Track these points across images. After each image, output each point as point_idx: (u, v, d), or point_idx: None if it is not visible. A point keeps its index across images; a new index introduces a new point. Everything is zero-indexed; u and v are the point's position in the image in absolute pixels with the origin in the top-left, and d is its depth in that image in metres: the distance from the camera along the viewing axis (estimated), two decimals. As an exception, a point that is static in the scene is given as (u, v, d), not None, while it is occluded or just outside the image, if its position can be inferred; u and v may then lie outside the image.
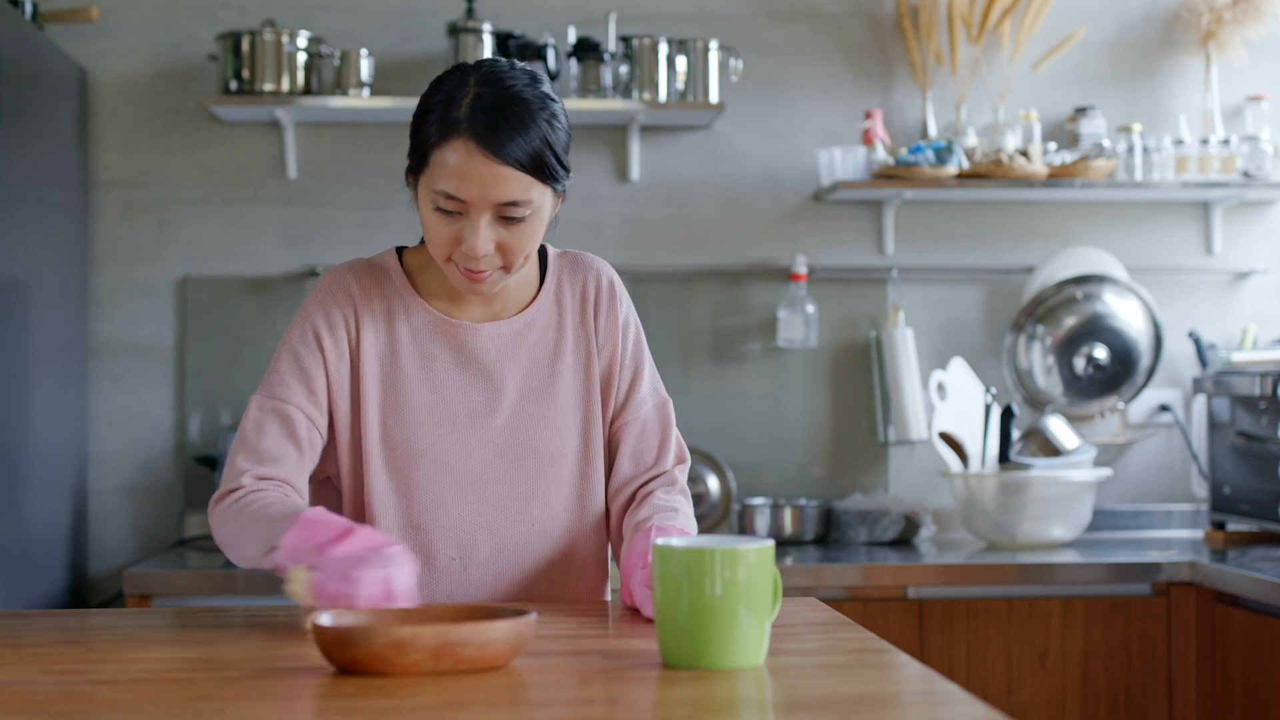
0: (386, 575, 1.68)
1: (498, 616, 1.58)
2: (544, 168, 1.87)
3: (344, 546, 1.72)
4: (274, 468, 1.94)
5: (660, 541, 1.56)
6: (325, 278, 2.04)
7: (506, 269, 1.92)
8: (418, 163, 1.90)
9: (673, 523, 1.97)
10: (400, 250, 2.08)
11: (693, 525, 2.03)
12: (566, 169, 1.92)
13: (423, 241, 2.04)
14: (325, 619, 1.55)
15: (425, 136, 1.88)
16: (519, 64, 1.94)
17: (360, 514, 2.02)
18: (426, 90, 1.93)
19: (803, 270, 3.85)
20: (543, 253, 2.09)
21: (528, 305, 2.05)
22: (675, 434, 2.12)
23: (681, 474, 2.10)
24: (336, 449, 2.01)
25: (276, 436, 1.95)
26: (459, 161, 1.85)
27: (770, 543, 1.55)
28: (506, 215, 1.87)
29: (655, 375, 2.13)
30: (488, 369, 2.01)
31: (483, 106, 1.85)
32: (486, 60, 1.95)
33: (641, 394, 2.09)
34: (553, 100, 1.91)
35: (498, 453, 2.00)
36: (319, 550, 1.72)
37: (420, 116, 1.91)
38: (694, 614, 1.52)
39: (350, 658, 1.49)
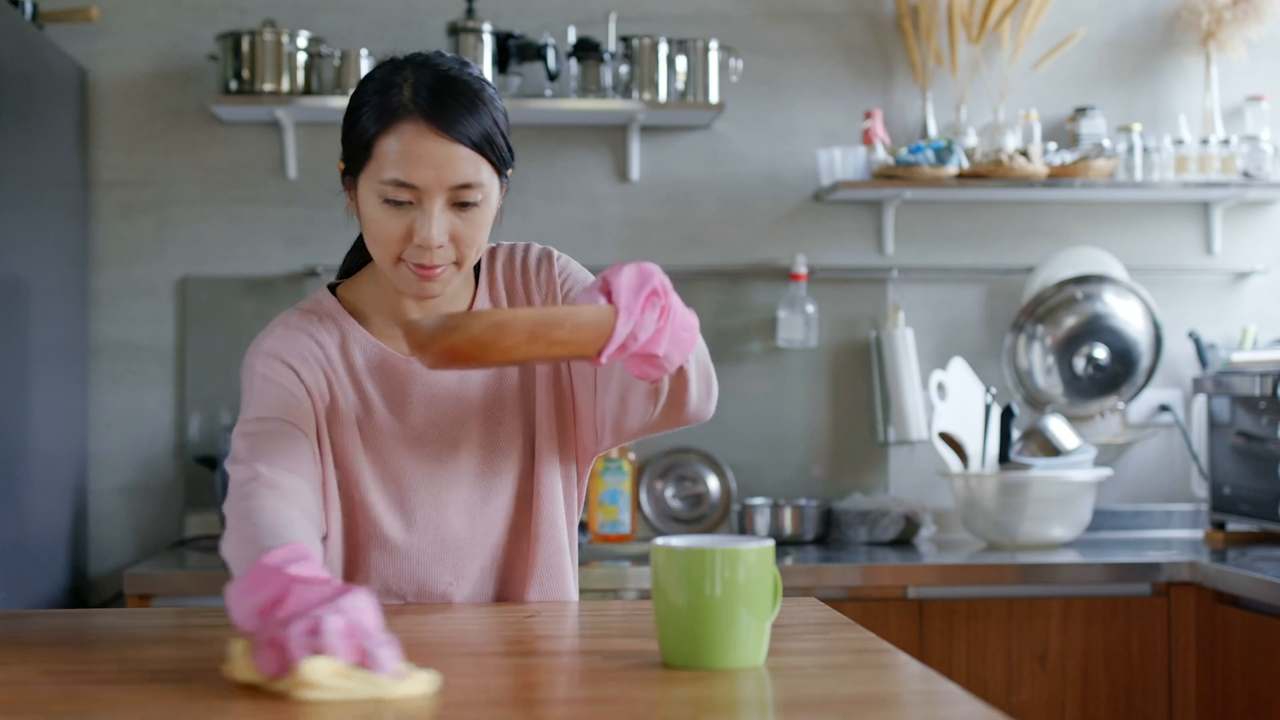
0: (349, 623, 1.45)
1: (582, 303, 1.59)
2: (494, 148, 1.81)
3: (281, 613, 1.46)
4: (288, 474, 1.78)
5: (660, 542, 1.55)
6: (271, 332, 1.91)
7: (459, 263, 1.84)
8: (357, 160, 1.83)
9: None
10: (333, 287, 1.99)
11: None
12: (512, 153, 1.86)
13: (351, 273, 1.98)
14: (423, 319, 1.54)
15: (363, 130, 1.81)
16: (446, 53, 1.90)
17: (353, 546, 1.91)
18: (355, 89, 1.87)
19: (803, 270, 3.85)
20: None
21: (468, 307, 1.96)
22: None
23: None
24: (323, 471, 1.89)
25: (279, 444, 1.81)
26: (409, 144, 1.78)
27: (770, 543, 1.55)
28: (460, 200, 1.80)
29: None
30: (453, 392, 1.93)
31: (425, 87, 1.80)
32: (415, 53, 1.88)
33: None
34: (489, 83, 1.86)
35: (475, 470, 1.93)
36: (253, 619, 1.49)
37: (353, 113, 1.84)
38: (694, 614, 1.51)
39: (448, 345, 1.51)
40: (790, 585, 3.22)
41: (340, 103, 3.68)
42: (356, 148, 1.83)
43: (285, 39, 3.68)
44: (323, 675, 1.39)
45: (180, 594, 3.25)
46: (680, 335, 1.65)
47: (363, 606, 1.45)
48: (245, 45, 3.67)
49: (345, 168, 1.87)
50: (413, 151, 1.78)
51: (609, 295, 1.56)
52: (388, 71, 1.84)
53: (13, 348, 3.20)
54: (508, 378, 1.96)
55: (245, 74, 3.67)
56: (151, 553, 3.74)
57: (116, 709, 1.41)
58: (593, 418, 1.94)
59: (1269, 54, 4.05)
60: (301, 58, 3.71)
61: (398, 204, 1.80)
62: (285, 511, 1.73)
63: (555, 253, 2.00)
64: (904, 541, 3.70)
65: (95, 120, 3.83)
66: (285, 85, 3.68)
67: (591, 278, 1.97)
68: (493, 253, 2.01)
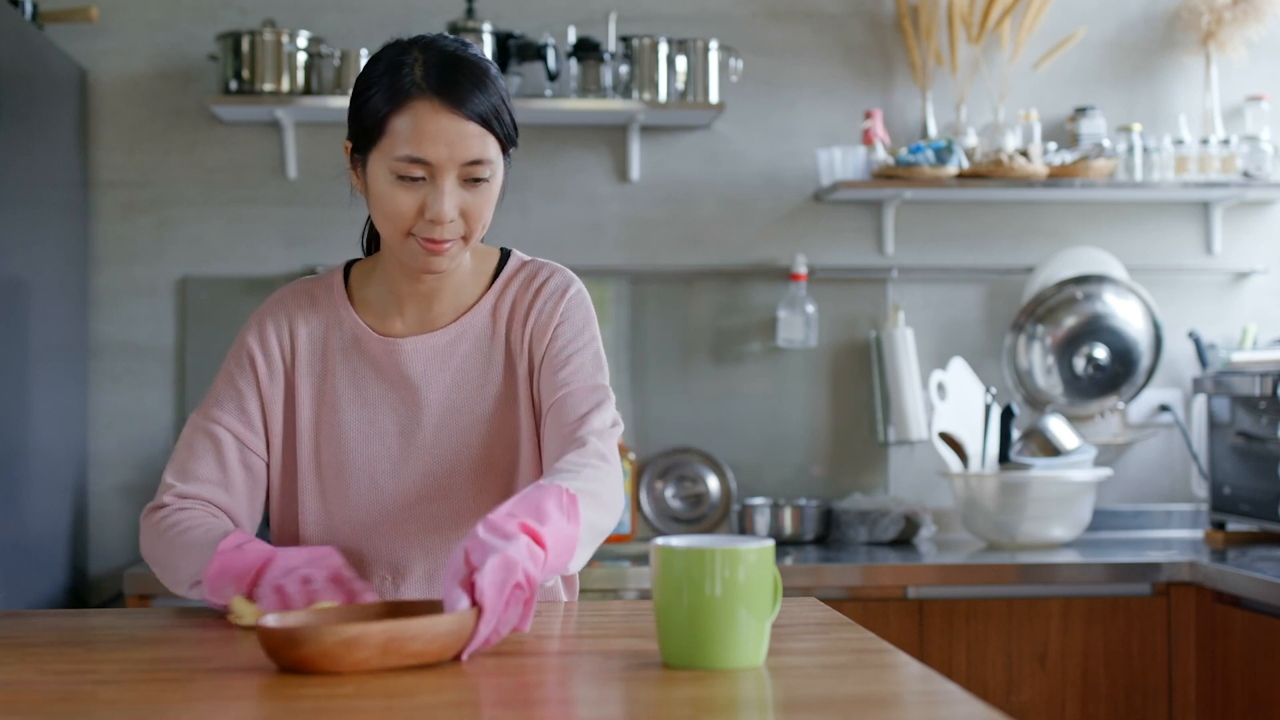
0: (331, 572, 1.76)
1: (438, 611, 1.59)
2: (501, 124, 1.87)
3: (272, 570, 1.77)
4: (197, 486, 1.94)
5: (660, 542, 1.55)
6: (269, 300, 2.04)
7: (467, 239, 1.88)
8: (368, 138, 1.87)
9: (568, 481, 1.75)
10: (351, 264, 2.07)
11: (602, 487, 1.80)
12: (517, 130, 1.91)
13: (370, 251, 2.05)
14: (270, 620, 1.54)
15: (374, 109, 1.86)
16: (448, 34, 1.97)
17: (291, 536, 1.99)
18: (363, 72, 1.92)
19: (803, 270, 3.85)
20: (506, 257, 2.04)
21: (462, 314, 1.99)
22: (607, 415, 1.91)
23: (600, 439, 1.87)
24: (269, 471, 2.00)
25: (203, 455, 1.96)
26: (423, 121, 1.83)
27: (770, 543, 1.54)
28: (470, 176, 1.85)
29: (596, 369, 1.95)
30: (414, 384, 1.97)
31: (435, 66, 1.86)
32: (421, 35, 1.94)
33: (563, 377, 1.93)
34: (492, 63, 1.92)
35: (427, 470, 1.96)
36: (245, 581, 1.77)
37: (362, 93, 1.89)
38: (694, 614, 1.51)
39: (298, 657, 1.49)
40: (790, 585, 3.22)
41: (341, 103, 3.68)
42: (367, 126, 1.88)
43: (285, 39, 3.68)
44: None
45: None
46: (558, 562, 1.70)
47: (338, 563, 1.77)
48: (245, 45, 3.67)
49: (353, 146, 1.92)
50: (426, 129, 1.83)
51: (472, 592, 1.55)
52: (396, 52, 1.90)
53: (13, 348, 3.20)
54: (491, 384, 1.98)
55: (245, 74, 3.67)
56: (151, 553, 3.74)
57: (116, 709, 1.41)
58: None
59: (1269, 54, 4.05)
60: (301, 58, 3.71)
61: (410, 180, 1.85)
62: (207, 519, 1.93)
63: (572, 290, 2.00)
64: (904, 541, 3.70)
65: (95, 120, 3.83)
66: (285, 85, 3.68)
67: (595, 327, 1.99)
68: (521, 265, 2.03)
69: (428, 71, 1.85)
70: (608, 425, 1.90)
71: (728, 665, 1.52)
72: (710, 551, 1.51)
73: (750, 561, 1.52)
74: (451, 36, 1.94)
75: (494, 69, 1.91)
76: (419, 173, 1.84)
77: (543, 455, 1.95)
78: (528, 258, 2.05)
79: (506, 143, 1.89)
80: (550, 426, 1.92)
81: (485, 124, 1.85)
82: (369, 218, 2.03)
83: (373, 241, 2.08)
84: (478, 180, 1.86)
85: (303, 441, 1.98)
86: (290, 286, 2.05)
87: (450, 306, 1.99)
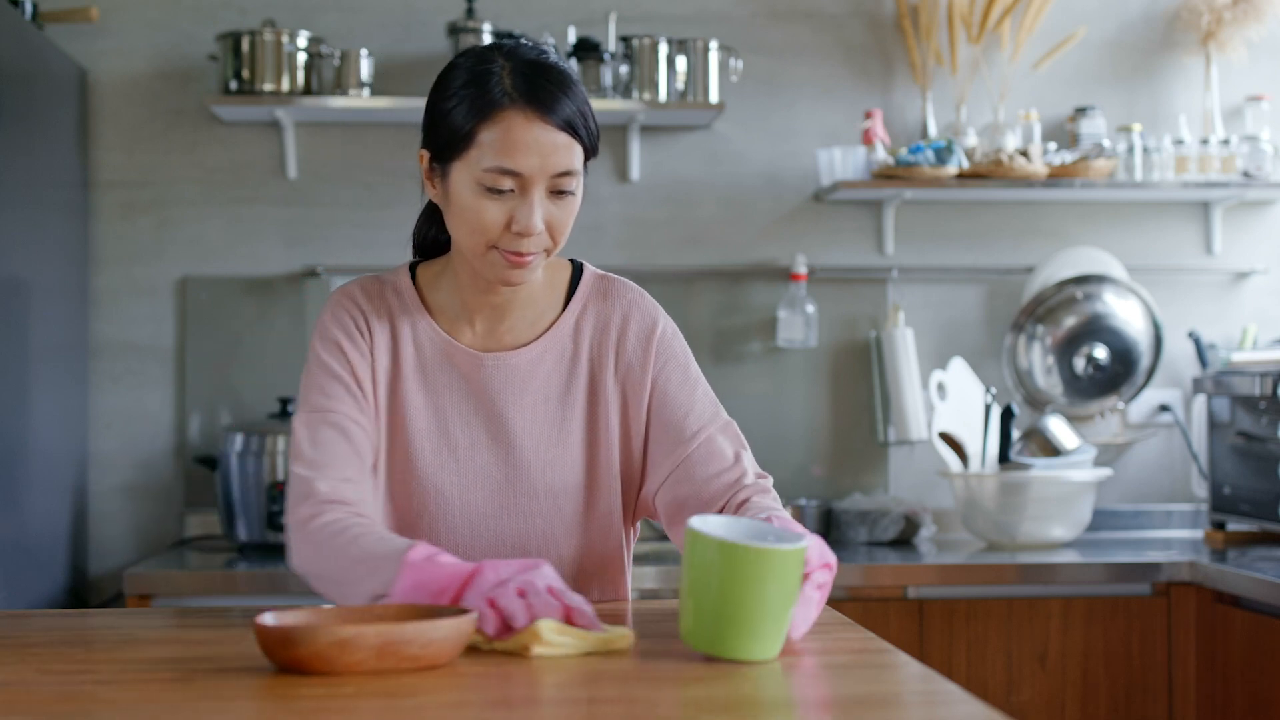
0: (549, 584, 1.63)
1: (439, 615, 1.59)
2: (589, 132, 1.85)
3: (481, 582, 1.62)
4: (341, 485, 1.84)
5: (696, 524, 1.56)
6: (337, 292, 1.97)
7: (549, 252, 1.87)
8: (454, 149, 1.84)
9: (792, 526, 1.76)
10: (414, 265, 2.01)
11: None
12: (599, 138, 1.90)
13: (434, 254, 2.00)
14: (268, 618, 1.54)
15: (460, 120, 1.83)
16: (523, 39, 1.94)
17: None
18: (441, 81, 1.88)
19: (803, 270, 3.85)
20: (578, 270, 2.02)
21: (543, 333, 1.97)
22: (748, 449, 1.98)
23: (761, 477, 1.96)
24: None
25: (335, 449, 1.86)
26: (516, 132, 1.80)
27: (804, 543, 1.56)
28: (558, 189, 1.83)
29: (716, 404, 2.00)
30: (493, 401, 1.94)
31: (523, 76, 1.82)
32: (497, 41, 1.92)
33: (692, 423, 1.96)
34: (573, 69, 1.92)
35: (496, 488, 1.93)
36: (446, 594, 1.63)
37: (443, 105, 1.85)
38: (722, 602, 1.52)
39: (293, 657, 1.49)
40: (790, 585, 3.22)
41: (340, 102, 3.68)
42: (452, 138, 1.84)
43: (285, 39, 3.68)
44: (552, 633, 1.57)
45: (180, 594, 3.25)
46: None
47: (552, 574, 1.64)
48: (245, 45, 3.67)
49: (433, 157, 1.88)
50: (519, 140, 1.81)
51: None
52: (476, 61, 1.86)
53: (13, 348, 3.20)
54: (573, 406, 1.96)
55: (245, 74, 3.67)
56: (151, 553, 3.74)
57: (116, 709, 1.41)
58: (662, 498, 1.97)
59: (1269, 54, 4.05)
60: (301, 58, 3.71)
61: (498, 191, 1.82)
62: (369, 525, 1.80)
63: (661, 326, 2.00)
64: (904, 541, 3.70)
65: (95, 120, 3.83)
66: (285, 85, 3.68)
67: (692, 357, 2.01)
68: (597, 280, 2.02)
69: (516, 81, 1.82)
70: (752, 458, 1.97)
71: (747, 656, 1.54)
72: (744, 549, 1.52)
73: (783, 562, 1.53)
74: (528, 43, 1.90)
75: (577, 75, 1.90)
76: (508, 184, 1.82)
77: (674, 490, 1.94)
78: (600, 271, 2.03)
79: (590, 152, 1.87)
80: (698, 469, 1.93)
81: (573, 131, 1.83)
82: (420, 220, 2.01)
83: (426, 246, 2.03)
84: (563, 193, 1.84)
85: (377, 442, 1.93)
86: (358, 282, 1.98)
87: (522, 320, 1.97)
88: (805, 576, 1.63)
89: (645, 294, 2.03)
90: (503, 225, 1.83)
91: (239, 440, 3.51)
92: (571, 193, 1.85)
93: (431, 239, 2.01)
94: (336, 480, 1.84)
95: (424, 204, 2.01)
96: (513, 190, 1.82)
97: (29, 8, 3.51)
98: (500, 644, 1.59)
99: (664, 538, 3.52)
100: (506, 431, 1.94)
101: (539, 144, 1.81)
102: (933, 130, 3.94)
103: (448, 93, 1.86)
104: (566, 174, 1.83)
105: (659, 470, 1.96)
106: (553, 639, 1.57)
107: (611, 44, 3.78)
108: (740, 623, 1.53)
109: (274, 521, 3.44)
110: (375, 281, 1.98)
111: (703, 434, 1.95)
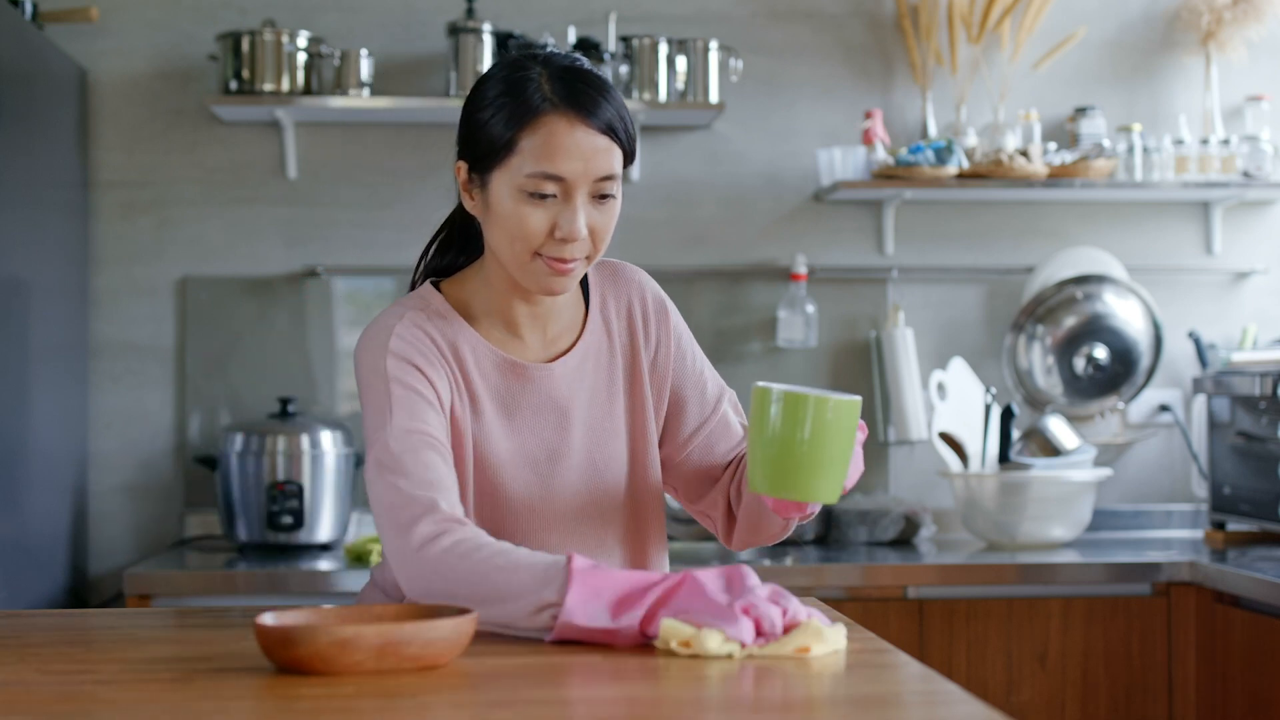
0: (770, 592, 1.64)
1: (438, 615, 1.59)
2: (628, 135, 1.86)
3: (684, 594, 1.61)
4: (460, 507, 1.79)
5: (761, 383, 1.70)
6: (389, 320, 1.89)
7: (591, 257, 1.87)
8: (494, 158, 1.83)
9: None
10: (435, 285, 1.97)
11: None
12: (637, 143, 1.90)
13: (449, 272, 1.97)
14: (267, 618, 1.54)
15: (500, 130, 1.82)
16: (552, 47, 1.94)
17: None
18: (476, 92, 1.88)
19: (803, 270, 3.85)
20: None
21: (581, 332, 1.98)
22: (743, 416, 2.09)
23: None
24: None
25: (437, 467, 1.79)
26: (559, 137, 1.81)
27: (858, 397, 1.74)
28: (600, 193, 1.84)
29: (713, 370, 2.11)
30: (562, 407, 1.94)
31: (562, 81, 1.83)
32: (530, 51, 1.92)
33: (711, 391, 2.08)
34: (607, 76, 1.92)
35: (576, 491, 1.95)
36: (631, 602, 1.61)
37: (480, 115, 1.85)
38: (785, 449, 1.69)
39: (293, 657, 1.49)
40: (790, 585, 3.21)
41: (340, 102, 3.68)
42: (492, 147, 1.84)
43: (285, 39, 3.68)
44: (826, 632, 1.60)
45: (180, 594, 3.25)
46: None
47: (757, 579, 1.66)
48: (245, 45, 3.67)
49: (470, 166, 1.88)
50: (561, 145, 1.81)
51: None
52: (511, 70, 1.86)
53: (13, 348, 3.20)
54: (617, 397, 1.99)
55: (245, 74, 3.67)
56: (151, 553, 3.74)
57: (116, 709, 1.41)
58: (683, 469, 2.06)
59: (1269, 54, 4.05)
60: (301, 58, 3.71)
61: (541, 197, 1.82)
62: (494, 539, 1.76)
63: (666, 302, 2.07)
64: (904, 541, 3.70)
65: (95, 120, 3.83)
66: (285, 85, 3.68)
67: (691, 339, 2.10)
68: (596, 268, 2.02)
69: (554, 86, 1.82)
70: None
71: (815, 498, 1.73)
72: (805, 397, 1.69)
73: (841, 410, 1.70)
74: (561, 51, 1.90)
75: (611, 80, 1.90)
76: (551, 189, 1.82)
77: (698, 460, 2.04)
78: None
79: (629, 156, 1.87)
80: (719, 444, 2.06)
81: (614, 135, 1.83)
82: (433, 251, 1.99)
83: (444, 256, 2.00)
84: (605, 197, 1.84)
85: (464, 467, 1.89)
86: (399, 311, 1.90)
87: (560, 323, 1.98)
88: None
89: (638, 269, 2.08)
90: (546, 232, 1.83)
91: (239, 440, 3.51)
92: (613, 196, 1.85)
93: (445, 268, 1.99)
94: (454, 500, 1.78)
95: (433, 235, 2.00)
96: (555, 196, 1.82)
97: (29, 8, 3.51)
98: (765, 649, 1.57)
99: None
100: (575, 432, 1.95)
101: (581, 148, 1.81)
102: (933, 130, 3.94)
103: (484, 103, 1.86)
104: (608, 178, 1.84)
105: (679, 441, 2.04)
106: (829, 637, 1.60)
107: (611, 44, 3.78)
108: (809, 466, 1.70)
109: (274, 521, 3.44)
110: (420, 307, 1.92)
111: (720, 407, 2.07)
